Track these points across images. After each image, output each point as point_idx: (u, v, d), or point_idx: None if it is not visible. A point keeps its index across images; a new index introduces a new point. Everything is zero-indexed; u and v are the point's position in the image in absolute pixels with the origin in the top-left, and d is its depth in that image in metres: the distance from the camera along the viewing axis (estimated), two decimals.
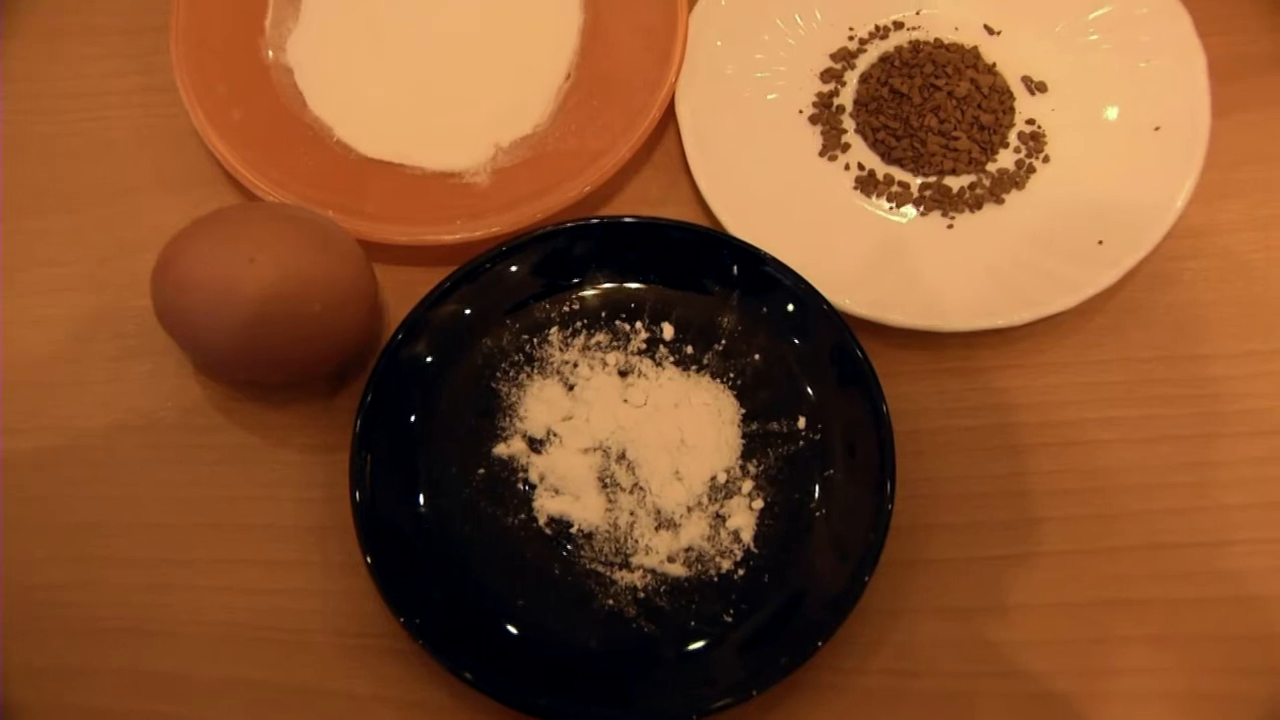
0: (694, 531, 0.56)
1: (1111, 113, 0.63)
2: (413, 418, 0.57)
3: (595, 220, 0.59)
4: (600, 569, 0.56)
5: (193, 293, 0.53)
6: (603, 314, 0.60)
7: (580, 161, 0.62)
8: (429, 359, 0.58)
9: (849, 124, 0.65)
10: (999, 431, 0.59)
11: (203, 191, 0.63)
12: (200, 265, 0.53)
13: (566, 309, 0.60)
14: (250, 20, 0.66)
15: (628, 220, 0.59)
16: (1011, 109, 0.64)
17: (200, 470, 0.59)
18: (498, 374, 0.59)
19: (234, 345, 0.54)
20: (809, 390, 0.58)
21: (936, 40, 0.65)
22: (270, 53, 0.65)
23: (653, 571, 0.56)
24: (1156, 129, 0.62)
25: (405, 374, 0.57)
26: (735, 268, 0.59)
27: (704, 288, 0.60)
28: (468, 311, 0.58)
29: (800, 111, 0.65)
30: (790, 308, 0.58)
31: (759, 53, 0.65)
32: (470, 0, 0.67)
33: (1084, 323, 0.61)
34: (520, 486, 0.57)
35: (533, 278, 0.59)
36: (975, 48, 0.65)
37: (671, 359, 0.59)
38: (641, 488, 0.57)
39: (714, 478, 0.57)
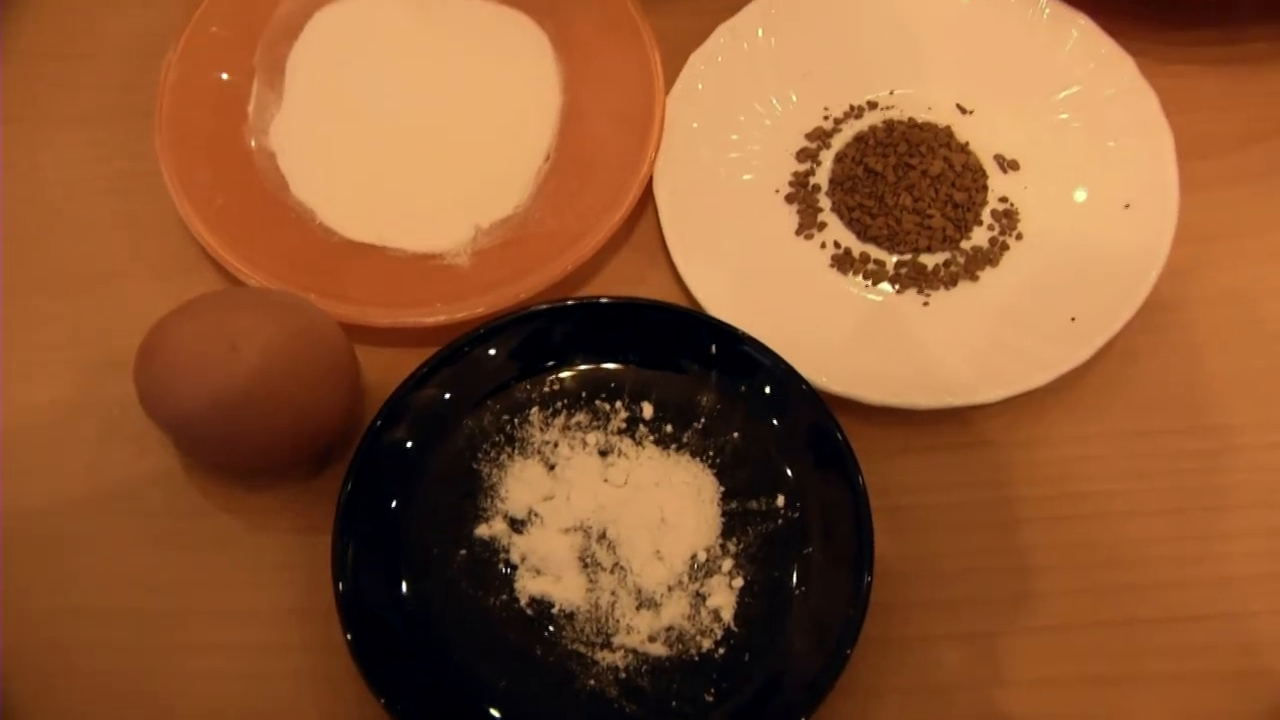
0: (675, 610, 0.56)
1: (1082, 190, 0.64)
2: (394, 503, 0.58)
3: (574, 301, 0.60)
4: (582, 649, 0.56)
5: (175, 379, 0.54)
6: (583, 394, 0.61)
7: (560, 243, 0.63)
8: (409, 444, 0.58)
9: (825, 203, 0.66)
10: (978, 508, 0.60)
11: (187, 276, 0.64)
12: (183, 352, 0.54)
13: (547, 389, 0.61)
14: (234, 106, 0.67)
15: (606, 301, 0.60)
16: (984, 187, 0.65)
17: (183, 554, 0.59)
18: (479, 455, 0.59)
19: (217, 431, 0.54)
20: (787, 470, 0.58)
21: (910, 120, 0.66)
22: (253, 138, 0.66)
23: (634, 651, 0.56)
24: (1127, 206, 0.63)
25: (386, 460, 0.57)
26: (713, 347, 0.60)
27: (683, 367, 0.60)
28: (448, 395, 0.59)
29: (777, 191, 0.66)
30: (769, 388, 0.59)
31: (735, 133, 0.67)
32: (451, 83, 0.68)
33: (1060, 398, 0.61)
34: (502, 568, 0.57)
35: (513, 359, 0.60)
36: (948, 127, 0.66)
37: (651, 438, 0.60)
38: (622, 567, 0.57)
39: (694, 556, 0.57)
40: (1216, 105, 0.67)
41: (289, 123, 0.67)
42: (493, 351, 0.60)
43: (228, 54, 0.67)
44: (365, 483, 0.57)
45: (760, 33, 0.67)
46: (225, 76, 0.66)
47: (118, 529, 0.60)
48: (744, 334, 0.59)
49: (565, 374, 0.61)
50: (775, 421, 0.59)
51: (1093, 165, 0.64)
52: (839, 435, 0.56)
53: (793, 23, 0.67)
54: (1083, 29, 0.66)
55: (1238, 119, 0.67)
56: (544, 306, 0.60)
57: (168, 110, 0.65)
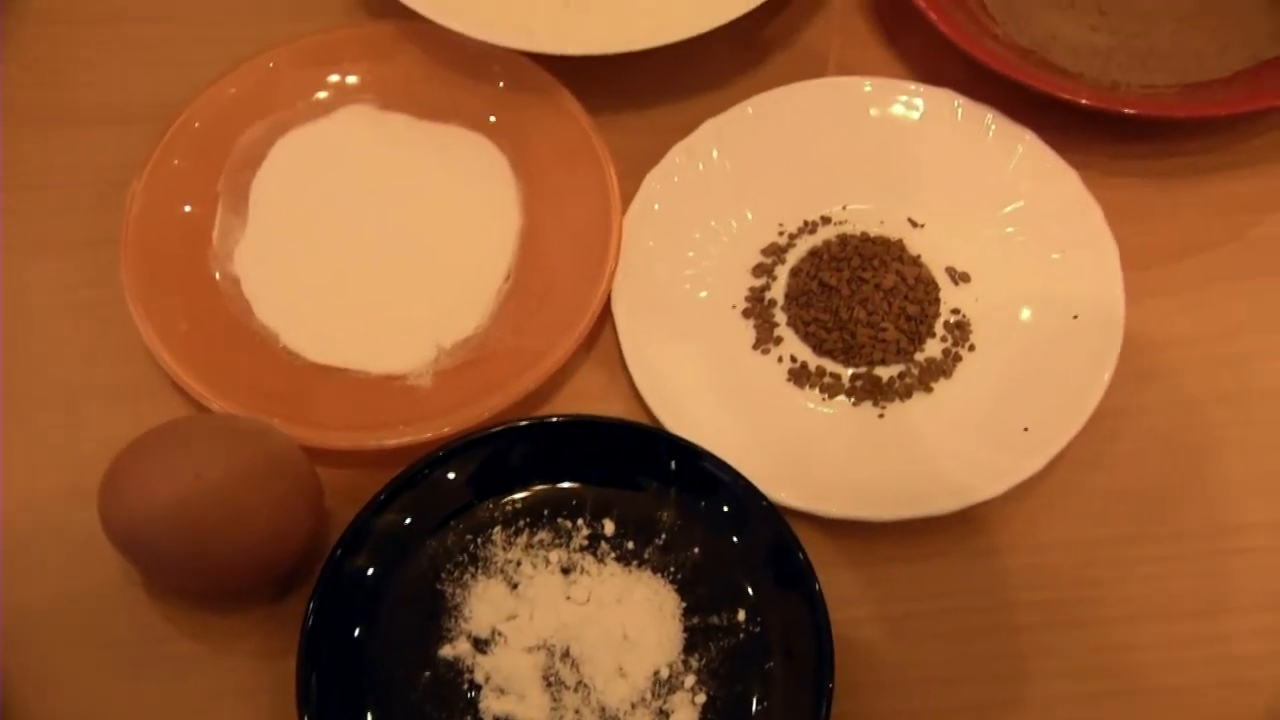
0: None
1: (1031, 302, 0.66)
2: (357, 630, 0.58)
3: (534, 421, 0.61)
4: None
5: (139, 508, 0.54)
6: (545, 512, 0.61)
7: (521, 361, 0.64)
8: (370, 570, 0.59)
9: (781, 317, 0.67)
10: (939, 618, 0.60)
11: (152, 402, 0.65)
12: (146, 481, 0.54)
13: (509, 508, 0.61)
14: (198, 234, 0.68)
15: (566, 420, 0.61)
16: (937, 299, 0.66)
17: (148, 683, 0.59)
18: (442, 575, 0.60)
19: (180, 559, 0.55)
20: (748, 586, 0.59)
21: (863, 234, 0.68)
22: (218, 264, 0.67)
23: None
24: (1075, 317, 0.64)
25: (348, 588, 0.58)
26: (673, 463, 0.60)
27: (643, 484, 0.61)
28: (408, 520, 0.59)
29: (734, 306, 0.67)
30: (728, 504, 0.59)
31: (691, 250, 0.68)
32: (413, 205, 0.69)
33: (1017, 507, 0.62)
34: (466, 689, 0.58)
35: (474, 480, 0.61)
36: (900, 240, 0.68)
37: (613, 555, 0.60)
38: (586, 685, 0.58)
39: (657, 673, 0.58)
40: (1159, 216, 0.69)
41: (253, 248, 0.68)
42: (453, 474, 0.60)
43: (190, 186, 0.68)
44: (327, 613, 0.57)
45: (714, 151, 0.69)
46: (188, 208, 0.68)
47: (83, 659, 0.60)
48: (703, 450, 0.60)
49: (527, 493, 0.61)
50: (735, 538, 0.59)
51: (1041, 277, 0.66)
52: (798, 553, 0.57)
53: (746, 141, 0.69)
54: (1028, 144, 0.68)
55: (1179, 229, 0.68)
56: (504, 427, 0.61)
57: (133, 239, 0.66)
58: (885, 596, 0.61)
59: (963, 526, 0.62)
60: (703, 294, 0.67)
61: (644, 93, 0.72)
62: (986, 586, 0.61)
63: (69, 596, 0.61)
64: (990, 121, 0.68)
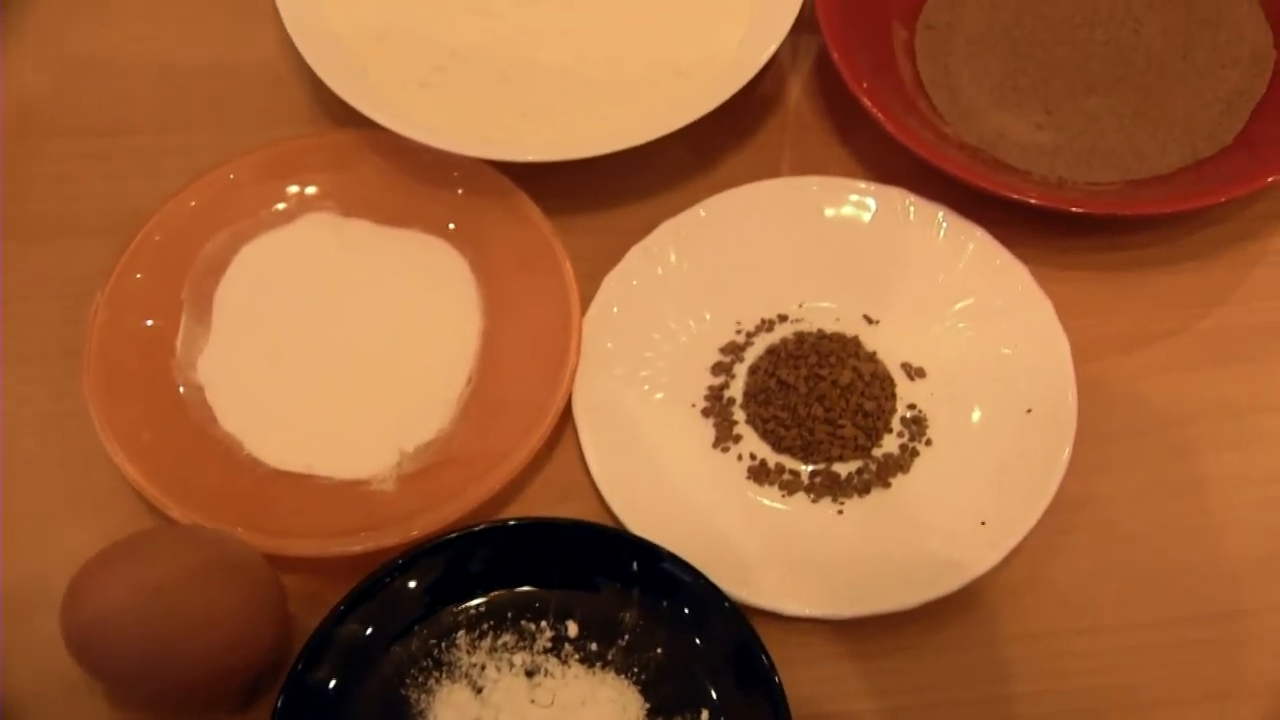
0: None
1: (985, 396, 0.67)
2: None
3: (497, 524, 0.61)
4: None
5: (100, 623, 0.54)
6: (508, 614, 0.61)
7: (484, 464, 0.64)
8: (333, 683, 0.59)
9: (740, 415, 0.68)
10: (902, 714, 0.61)
11: (116, 513, 0.65)
12: (108, 595, 0.55)
13: (473, 612, 0.61)
14: (161, 345, 0.68)
15: (528, 523, 0.62)
16: (893, 395, 0.67)
17: None
18: (407, 681, 0.60)
19: (144, 673, 0.55)
20: (711, 688, 0.59)
21: (820, 331, 0.69)
22: (181, 372, 0.68)
23: None
24: (1029, 410, 0.65)
25: (310, 701, 0.58)
26: (635, 564, 0.61)
27: (606, 585, 0.61)
28: (370, 630, 0.60)
29: (693, 405, 0.68)
30: (690, 605, 0.60)
31: (649, 351, 0.69)
32: (375, 310, 0.70)
33: (977, 600, 0.63)
34: None
35: (436, 585, 0.61)
36: (856, 337, 0.69)
37: (577, 656, 0.60)
38: None
39: None
40: (1108, 309, 0.70)
41: (216, 356, 0.68)
42: (414, 582, 0.60)
43: (152, 300, 0.69)
44: None
45: (671, 252, 0.70)
46: (150, 323, 0.68)
47: None
48: (665, 551, 0.60)
49: (491, 596, 0.62)
50: (698, 639, 0.60)
51: (994, 372, 0.67)
52: (760, 654, 0.57)
53: (702, 242, 0.70)
54: (979, 241, 0.69)
55: (1128, 322, 0.70)
56: (465, 532, 0.61)
57: (95, 353, 0.66)
58: (849, 693, 0.61)
59: (924, 621, 0.62)
60: (662, 394, 0.68)
61: (602, 194, 0.73)
62: (949, 681, 0.61)
63: (31, 707, 0.61)
64: (942, 219, 0.70)
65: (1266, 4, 0.73)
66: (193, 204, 0.70)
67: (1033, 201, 0.67)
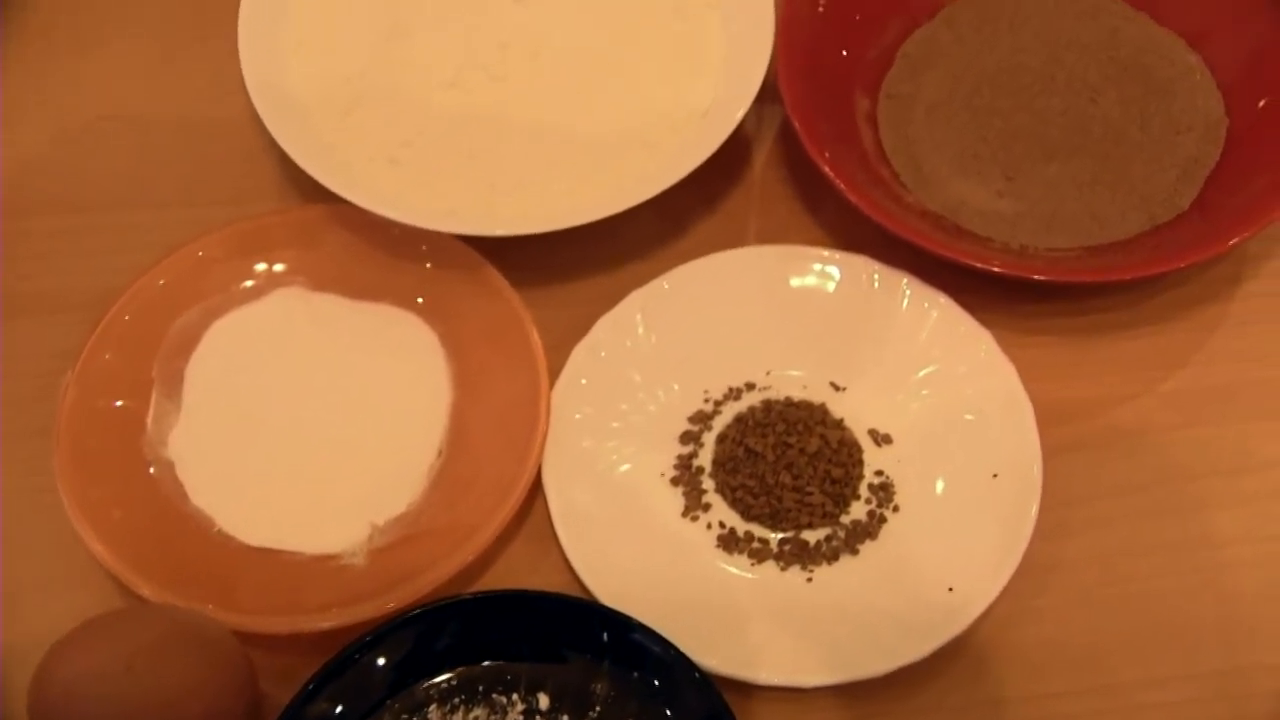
0: None
1: (951, 462, 0.67)
2: None
3: (467, 597, 0.62)
4: None
5: (69, 700, 0.54)
6: (479, 688, 0.62)
7: (454, 537, 0.64)
8: None
9: (709, 484, 0.68)
10: None
11: (86, 592, 0.65)
12: (77, 673, 0.55)
13: (444, 686, 0.61)
14: (131, 424, 0.68)
15: (498, 595, 0.62)
16: (860, 461, 0.68)
17: None
18: None
19: None
20: None
21: (787, 399, 0.70)
22: (152, 449, 0.68)
23: None
24: (995, 475, 0.66)
25: None
26: (605, 635, 0.61)
27: (576, 656, 0.61)
28: (339, 709, 0.60)
29: (662, 474, 0.69)
30: (660, 677, 0.60)
31: (617, 421, 0.69)
32: (346, 385, 0.70)
33: (946, 666, 0.63)
34: None
35: (406, 660, 0.61)
36: (823, 404, 0.69)
37: None
38: None
39: None
40: (1071, 373, 0.71)
41: (187, 432, 0.69)
42: (383, 659, 0.60)
43: (122, 380, 0.69)
44: None
45: (639, 323, 0.71)
46: (120, 403, 0.68)
47: None
48: (635, 622, 0.60)
49: (461, 670, 0.62)
50: (669, 710, 0.60)
51: (959, 437, 0.68)
52: None
53: (669, 312, 0.71)
54: (942, 308, 0.70)
55: (1091, 385, 0.71)
56: (435, 605, 0.61)
57: (65, 432, 0.66)
58: None
59: (894, 688, 0.62)
60: (631, 464, 0.68)
61: (570, 265, 0.74)
62: None
63: None
64: (906, 287, 0.70)
65: (1218, 73, 0.75)
66: (162, 282, 0.70)
67: (995, 270, 0.67)
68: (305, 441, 0.69)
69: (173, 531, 0.66)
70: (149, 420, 0.69)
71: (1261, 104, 0.73)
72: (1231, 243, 0.67)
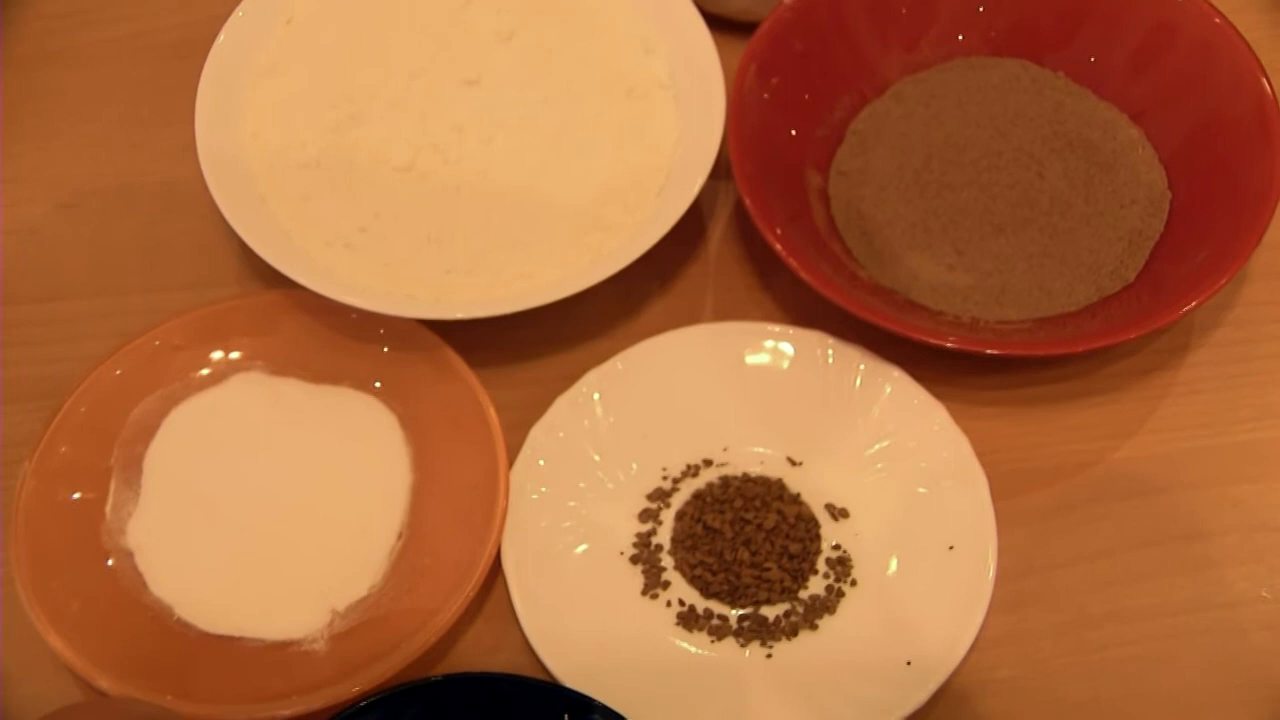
0: None
1: (908, 535, 0.68)
2: None
3: (426, 681, 0.62)
4: None
5: None
6: None
7: (415, 620, 0.65)
8: None
9: (668, 561, 0.69)
10: None
11: (44, 685, 0.65)
12: None
13: None
14: (89, 515, 0.68)
15: (458, 678, 0.62)
16: (818, 536, 0.69)
17: None
18: None
19: None
20: None
21: (744, 474, 0.70)
22: (110, 539, 0.68)
23: None
24: (951, 548, 0.67)
25: None
26: (566, 716, 0.61)
27: None
28: None
29: (621, 553, 0.69)
30: None
31: (573, 500, 0.70)
32: (305, 469, 0.70)
33: None
34: None
35: None
36: (780, 480, 0.70)
37: None
38: None
39: None
40: (1024, 444, 0.72)
41: (146, 520, 0.68)
42: None
43: (79, 472, 0.69)
44: None
45: (596, 403, 0.71)
46: (77, 495, 0.68)
47: None
48: (596, 702, 0.61)
49: None
50: None
51: (915, 511, 0.68)
52: None
53: (626, 390, 0.72)
54: (896, 382, 0.71)
55: (1045, 456, 0.71)
56: (394, 690, 0.61)
57: (22, 524, 0.66)
58: None
59: None
60: (589, 543, 0.69)
61: (527, 344, 0.75)
62: None
63: None
64: (860, 362, 0.71)
65: (1159, 147, 0.76)
66: (119, 372, 0.71)
67: (949, 345, 0.68)
68: (265, 527, 0.69)
69: (132, 622, 0.65)
70: (107, 509, 0.69)
71: (1201, 177, 0.74)
72: (1178, 314, 0.68)
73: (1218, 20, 0.74)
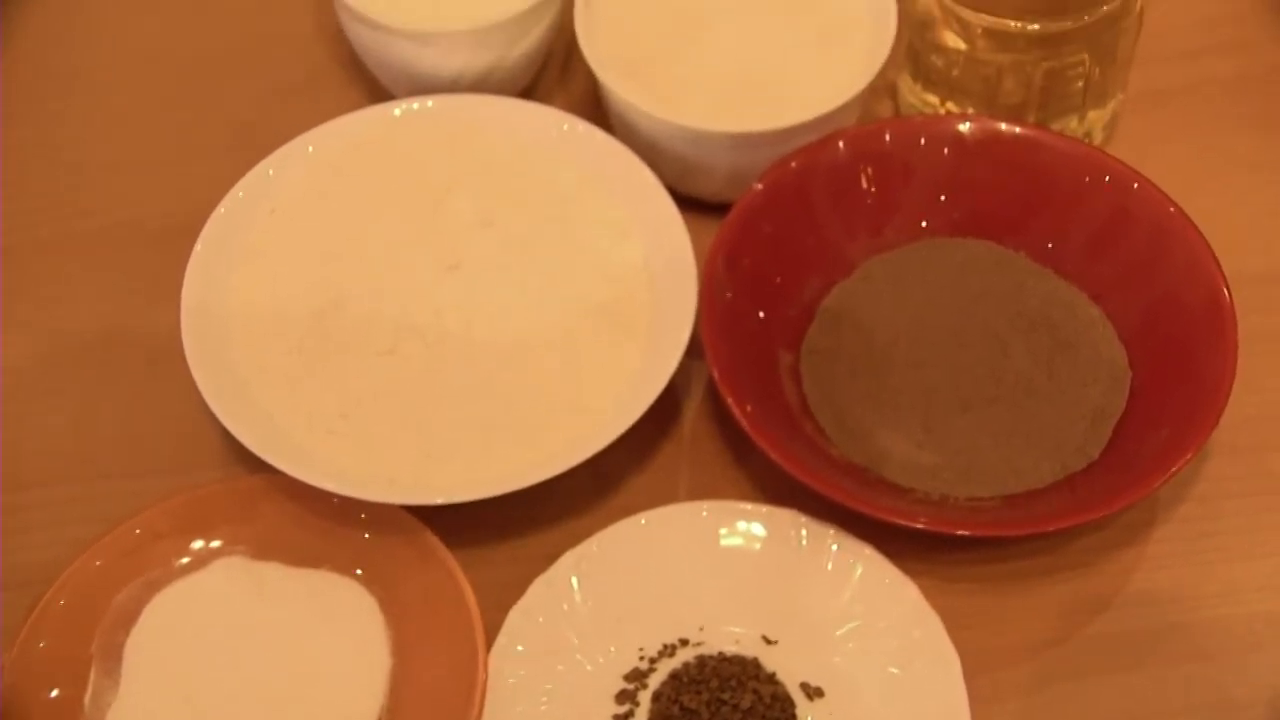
0: None
1: (881, 715, 0.68)
2: None
3: None
4: None
5: None
6: None
7: None
8: None
9: None
10: None
11: None
12: None
13: None
14: (69, 707, 0.68)
15: None
16: (793, 716, 0.69)
17: None
18: None
19: None
20: None
21: (720, 654, 0.71)
22: None
23: None
24: None
25: None
26: None
27: None
28: None
29: None
30: None
31: (551, 683, 0.70)
32: (285, 653, 0.70)
33: None
34: None
35: None
36: (755, 659, 0.71)
37: None
38: None
39: None
40: (996, 620, 0.72)
41: (125, 710, 0.68)
42: None
43: (57, 667, 0.69)
44: None
45: (575, 588, 0.72)
46: (55, 693, 0.68)
47: None
48: None
49: None
50: None
51: (888, 690, 0.69)
52: None
53: (604, 573, 0.72)
54: (867, 560, 0.72)
55: (1017, 632, 0.72)
56: None
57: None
58: None
59: None
60: None
61: (505, 525, 0.76)
62: None
63: None
64: (831, 542, 0.72)
65: (1119, 326, 0.78)
66: (98, 563, 0.71)
67: (919, 526, 0.70)
68: (244, 714, 0.69)
69: None
70: (86, 699, 0.69)
71: (1160, 357, 0.76)
72: (1145, 493, 0.69)
73: (1171, 209, 0.77)
